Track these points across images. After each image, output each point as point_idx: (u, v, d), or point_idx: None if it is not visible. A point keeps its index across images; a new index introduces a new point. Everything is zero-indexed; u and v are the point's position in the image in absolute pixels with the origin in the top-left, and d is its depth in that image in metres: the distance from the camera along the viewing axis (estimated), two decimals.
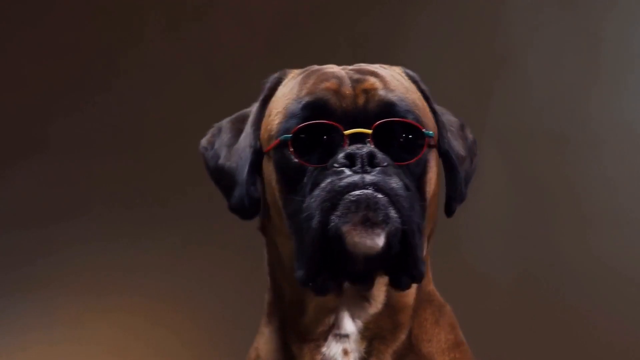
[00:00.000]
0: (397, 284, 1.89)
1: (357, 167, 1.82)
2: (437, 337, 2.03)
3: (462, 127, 2.12)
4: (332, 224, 1.80)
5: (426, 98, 2.04)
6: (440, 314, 2.05)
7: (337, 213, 1.80)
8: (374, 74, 1.97)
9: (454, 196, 2.02)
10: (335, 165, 1.83)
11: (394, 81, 1.97)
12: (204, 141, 2.10)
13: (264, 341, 2.06)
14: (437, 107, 2.07)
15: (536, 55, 3.81)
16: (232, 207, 2.01)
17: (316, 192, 1.83)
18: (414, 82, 2.05)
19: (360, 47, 3.87)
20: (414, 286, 1.98)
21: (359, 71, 1.98)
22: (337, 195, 1.81)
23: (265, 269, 2.07)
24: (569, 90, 3.78)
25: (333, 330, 1.97)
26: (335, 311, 1.96)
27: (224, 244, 3.85)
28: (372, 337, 1.98)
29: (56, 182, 4.01)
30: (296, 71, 2.06)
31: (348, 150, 1.83)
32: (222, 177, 2.04)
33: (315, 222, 1.81)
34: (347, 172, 1.82)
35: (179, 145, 3.83)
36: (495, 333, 3.54)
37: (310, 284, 1.85)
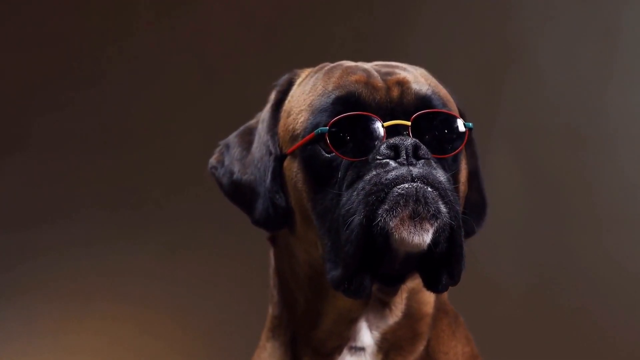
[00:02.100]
0: (435, 284, 1.84)
1: (402, 159, 1.79)
2: (454, 350, 2.00)
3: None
4: (380, 218, 1.76)
5: None
6: (456, 325, 2.04)
7: (385, 207, 1.76)
8: (402, 68, 1.96)
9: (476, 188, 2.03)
10: (379, 157, 1.80)
11: (422, 76, 1.97)
12: (212, 160, 2.08)
13: (267, 356, 2.03)
14: None
15: (549, 46, 3.80)
16: (257, 220, 1.97)
17: (359, 185, 1.79)
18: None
19: (363, 38, 3.87)
20: (432, 294, 1.95)
21: (385, 66, 1.97)
22: (384, 188, 1.77)
23: (271, 281, 2.04)
24: (584, 83, 3.76)
25: (349, 343, 1.94)
26: (352, 322, 1.93)
27: (216, 247, 3.85)
28: (388, 348, 1.95)
29: (37, 182, 3.98)
30: (308, 70, 2.05)
31: (392, 141, 1.81)
32: (241, 193, 2.01)
33: (359, 217, 1.76)
34: (393, 164, 1.79)
35: (168, 144, 3.90)
36: (508, 343, 3.49)
37: (346, 284, 1.81)
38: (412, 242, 1.76)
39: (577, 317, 3.66)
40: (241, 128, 2.10)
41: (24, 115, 4.01)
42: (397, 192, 1.76)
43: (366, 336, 1.94)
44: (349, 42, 3.87)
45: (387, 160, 1.79)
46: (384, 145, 1.80)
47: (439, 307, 2.00)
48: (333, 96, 1.89)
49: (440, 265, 1.81)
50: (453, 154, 1.86)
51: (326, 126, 1.85)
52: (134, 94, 3.99)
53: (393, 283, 1.88)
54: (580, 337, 3.65)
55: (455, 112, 1.94)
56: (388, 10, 3.87)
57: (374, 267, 1.80)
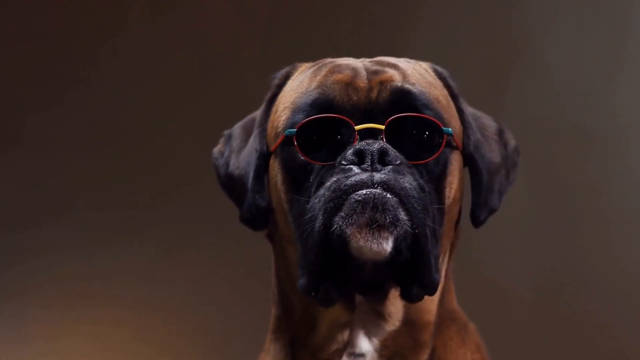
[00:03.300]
0: (408, 295, 1.84)
1: (367, 164, 1.77)
2: (463, 357, 1.99)
3: (500, 132, 2.08)
4: (336, 226, 1.75)
5: (453, 96, 2.01)
6: (466, 333, 2.02)
7: (341, 214, 1.75)
8: (394, 66, 1.93)
9: (477, 203, 1.98)
10: (344, 162, 1.79)
11: (415, 75, 1.94)
12: (215, 150, 2.10)
13: (270, 359, 2.02)
14: (470, 110, 2.05)
15: (555, 41, 3.75)
16: (242, 217, 2.00)
17: (321, 191, 1.79)
18: (442, 78, 2.02)
19: (365, 33, 3.83)
20: (434, 302, 1.95)
21: (378, 63, 1.95)
22: (342, 195, 1.76)
23: (273, 281, 2.03)
24: (592, 80, 3.72)
25: (347, 348, 1.93)
26: (349, 327, 1.92)
27: (213, 248, 3.83)
28: (390, 356, 1.93)
29: (28, 182, 3.96)
30: (307, 64, 2.04)
31: (357, 147, 1.79)
32: (233, 186, 2.03)
33: (318, 224, 1.77)
34: (356, 170, 1.77)
35: (163, 143, 3.88)
36: (515, 348, 3.43)
37: (312, 293, 1.81)
38: (370, 250, 1.74)
39: (586, 321, 3.63)
40: (246, 118, 2.09)
41: (15, 114, 3.99)
42: (354, 198, 1.74)
43: (364, 343, 1.92)
44: (352, 36, 3.84)
45: (351, 166, 1.77)
46: (351, 150, 1.78)
47: (446, 315, 1.99)
48: (312, 96, 1.88)
49: (409, 275, 1.79)
50: (427, 160, 1.83)
51: (294, 128, 1.85)
52: (129, 91, 3.96)
53: (372, 292, 1.86)
54: (589, 341, 3.62)
55: (443, 115, 1.89)
56: (391, 5, 3.84)
57: (338, 276, 1.79)
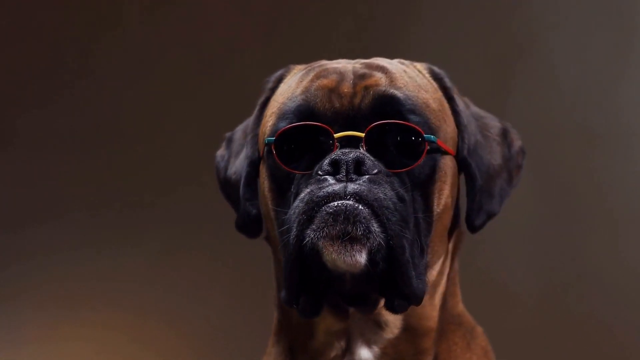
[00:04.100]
0: (391, 306, 1.82)
1: (342, 174, 1.77)
2: None
3: (504, 133, 2.05)
4: (308, 239, 1.75)
5: (450, 98, 1.98)
6: (472, 337, 2.01)
7: (313, 227, 1.75)
8: (382, 69, 1.91)
9: (471, 209, 1.96)
10: (320, 172, 1.78)
11: (404, 78, 1.91)
12: (217, 153, 2.11)
13: None
14: (474, 110, 2.03)
15: (560, 39, 3.75)
16: (236, 224, 2.01)
17: (296, 202, 1.79)
18: (437, 79, 2.00)
19: (366, 31, 3.83)
20: (436, 308, 1.94)
21: (368, 66, 1.93)
22: (314, 207, 1.75)
23: (274, 284, 2.03)
24: (598, 79, 3.72)
25: (346, 356, 1.93)
26: (346, 335, 1.92)
27: (213, 250, 3.83)
28: None
29: (23, 182, 3.95)
30: (300, 67, 2.03)
31: (333, 156, 1.78)
32: (230, 191, 2.04)
33: (292, 236, 1.77)
34: (330, 180, 1.77)
35: (161, 142, 3.87)
36: (519, 351, 3.40)
37: (294, 305, 1.82)
38: (344, 262, 1.73)
39: (592, 324, 3.63)
40: (247, 120, 2.08)
41: (9, 112, 3.98)
42: (325, 210, 1.73)
43: (364, 351, 1.92)
44: (353, 35, 3.85)
45: (326, 176, 1.76)
46: (327, 160, 1.77)
47: (450, 320, 1.98)
48: (296, 103, 1.87)
49: (389, 287, 1.78)
50: (409, 168, 1.81)
51: (273, 136, 1.85)
52: (125, 89, 3.95)
53: (357, 303, 1.85)
54: (595, 345, 3.61)
55: (430, 120, 1.87)
56: (394, 3, 3.83)
57: (317, 287, 1.78)
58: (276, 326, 2.02)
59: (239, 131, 2.08)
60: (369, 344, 1.92)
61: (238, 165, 2.01)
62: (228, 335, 3.76)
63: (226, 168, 2.05)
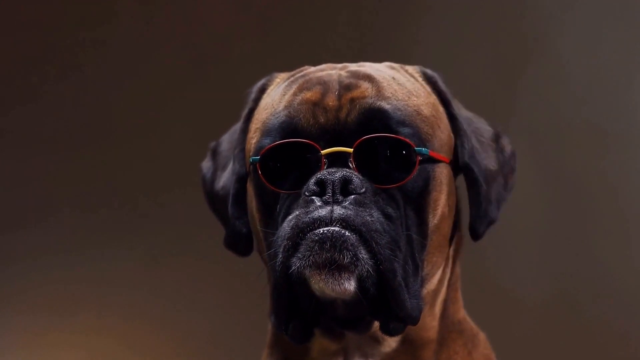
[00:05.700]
0: (386, 329, 1.81)
1: (327, 196, 1.74)
2: None
3: (496, 138, 2.02)
4: (294, 267, 1.72)
5: (445, 102, 1.95)
6: (473, 345, 1.99)
7: (299, 255, 1.72)
8: (369, 78, 1.87)
9: (477, 216, 1.92)
10: (306, 193, 1.75)
11: (392, 86, 1.87)
12: (202, 165, 2.08)
13: None
14: (465, 114, 1.99)
15: (570, 36, 3.74)
16: (225, 242, 1.98)
17: (283, 225, 1.76)
18: (431, 83, 1.96)
19: (365, 26, 3.81)
20: (435, 318, 1.93)
21: (353, 74, 1.88)
22: (299, 233, 1.72)
23: (269, 294, 1.98)
24: (608, 77, 3.71)
25: None
26: (342, 354, 1.90)
27: (203, 254, 3.77)
28: None
29: (10, 183, 3.94)
30: (283, 75, 2.00)
31: (319, 176, 1.75)
32: (218, 206, 2.00)
33: (278, 263, 1.74)
34: (317, 202, 1.74)
35: (153, 142, 3.86)
36: (527, 357, 3.45)
37: (283, 331, 1.80)
38: (332, 291, 1.71)
39: (602, 329, 3.63)
40: (232, 129, 2.06)
41: None
42: (311, 238, 1.70)
43: None
44: (352, 33, 3.84)
45: (313, 197, 1.73)
46: (313, 180, 1.74)
47: (451, 328, 1.96)
48: (279, 119, 1.83)
49: (382, 311, 1.76)
50: (400, 183, 1.77)
51: (257, 155, 1.82)
52: (116, 86, 3.93)
53: (352, 327, 1.82)
54: (605, 350, 3.62)
55: (422, 129, 1.83)
56: (397, 2, 3.83)
57: (306, 313, 1.76)
58: (270, 339, 2.00)
59: (224, 142, 2.05)
60: (366, 357, 1.90)
61: (226, 180, 1.98)
62: (219, 340, 3.77)
63: (213, 181, 2.02)
